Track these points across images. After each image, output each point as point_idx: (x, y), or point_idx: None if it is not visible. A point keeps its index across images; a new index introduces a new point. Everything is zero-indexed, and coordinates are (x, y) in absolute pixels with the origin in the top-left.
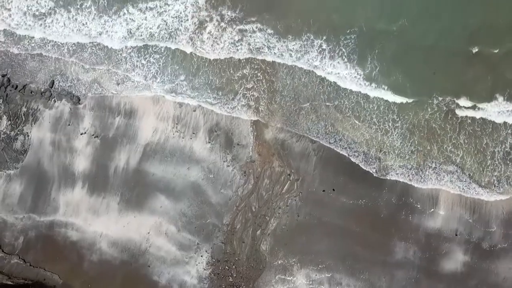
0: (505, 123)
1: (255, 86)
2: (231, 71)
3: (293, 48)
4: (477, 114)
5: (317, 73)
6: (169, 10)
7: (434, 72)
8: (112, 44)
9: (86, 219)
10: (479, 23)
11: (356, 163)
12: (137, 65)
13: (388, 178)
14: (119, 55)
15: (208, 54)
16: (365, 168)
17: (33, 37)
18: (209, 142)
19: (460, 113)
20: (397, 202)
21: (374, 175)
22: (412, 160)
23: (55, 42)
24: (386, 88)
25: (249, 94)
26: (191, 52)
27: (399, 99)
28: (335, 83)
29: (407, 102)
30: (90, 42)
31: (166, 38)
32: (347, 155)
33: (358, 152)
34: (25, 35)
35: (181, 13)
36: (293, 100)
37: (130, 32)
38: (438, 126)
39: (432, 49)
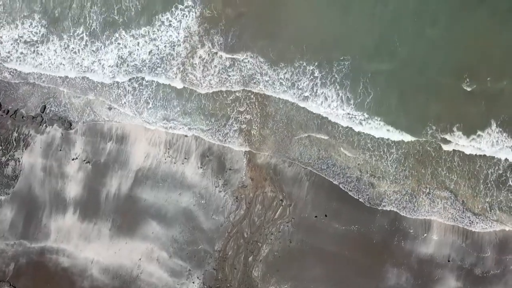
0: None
1: (248, 109)
2: (224, 95)
3: (284, 77)
4: (469, 146)
5: (308, 109)
6: (161, 36)
7: (427, 99)
8: (102, 79)
9: (77, 245)
10: (474, 59)
11: (349, 193)
12: (128, 91)
13: (381, 208)
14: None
15: (200, 86)
16: (357, 198)
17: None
18: (201, 168)
19: (453, 143)
20: (390, 227)
21: (367, 204)
22: (407, 186)
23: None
24: (379, 119)
25: (241, 117)
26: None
27: (392, 133)
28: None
29: (400, 131)
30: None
31: (158, 63)
32: (339, 185)
33: (351, 178)
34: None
35: (173, 38)
36: (285, 125)
37: (122, 58)
38: (433, 149)
39: (426, 80)
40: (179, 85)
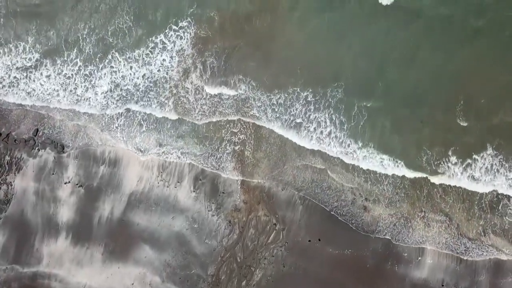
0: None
1: (241, 129)
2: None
3: (277, 102)
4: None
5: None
6: (155, 59)
7: (421, 121)
8: (95, 110)
9: (70, 270)
10: (468, 96)
11: (340, 218)
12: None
13: (374, 236)
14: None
15: (194, 111)
16: (351, 226)
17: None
18: (194, 191)
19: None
20: (384, 251)
21: (361, 232)
22: (402, 209)
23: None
24: (372, 146)
25: (235, 138)
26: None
27: (386, 163)
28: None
29: (395, 159)
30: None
31: (151, 87)
32: (331, 211)
33: (345, 202)
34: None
35: (166, 63)
36: (279, 147)
37: (115, 83)
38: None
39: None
40: (173, 116)
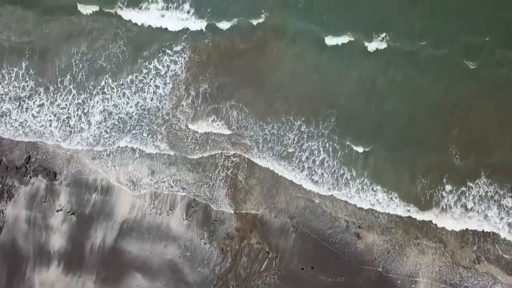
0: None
1: (236, 153)
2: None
3: (269, 132)
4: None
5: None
6: (148, 86)
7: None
8: (85, 144)
9: None
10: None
11: (334, 250)
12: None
13: (367, 268)
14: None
15: (186, 139)
16: (343, 257)
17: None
18: (186, 219)
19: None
20: (377, 279)
21: (354, 263)
22: (397, 235)
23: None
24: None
25: (228, 162)
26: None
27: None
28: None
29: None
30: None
31: (145, 115)
32: (322, 241)
33: (340, 228)
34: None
35: (160, 89)
36: (272, 173)
37: (106, 111)
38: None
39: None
40: (167, 151)
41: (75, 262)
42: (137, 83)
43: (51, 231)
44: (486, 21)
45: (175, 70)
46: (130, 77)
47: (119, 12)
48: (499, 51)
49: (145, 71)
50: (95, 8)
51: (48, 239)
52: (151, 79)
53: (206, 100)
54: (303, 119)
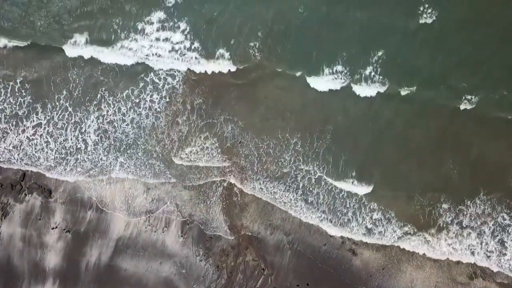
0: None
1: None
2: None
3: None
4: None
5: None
6: (144, 100)
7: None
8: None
9: None
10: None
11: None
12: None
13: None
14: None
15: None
16: (339, 276)
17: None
18: (182, 236)
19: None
20: None
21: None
22: (392, 252)
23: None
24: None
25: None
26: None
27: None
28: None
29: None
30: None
31: (140, 134)
32: (316, 260)
33: (335, 245)
34: None
35: (155, 105)
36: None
37: (102, 129)
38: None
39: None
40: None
41: (71, 279)
42: (133, 99)
43: (46, 249)
44: None
45: (172, 83)
46: (126, 91)
47: None
48: None
49: (142, 84)
50: None
51: (43, 257)
52: (148, 94)
53: (199, 115)
54: (298, 135)
